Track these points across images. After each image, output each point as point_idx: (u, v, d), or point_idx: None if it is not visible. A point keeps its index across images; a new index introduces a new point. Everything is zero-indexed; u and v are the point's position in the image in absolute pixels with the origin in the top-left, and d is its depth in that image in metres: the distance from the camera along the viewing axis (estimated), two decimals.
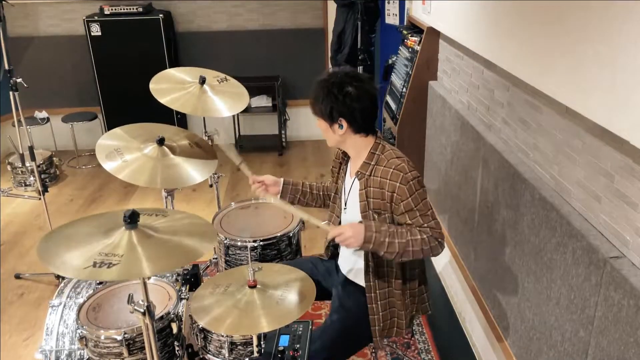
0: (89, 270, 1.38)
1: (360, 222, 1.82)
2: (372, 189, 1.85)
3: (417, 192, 1.79)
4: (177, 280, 2.39)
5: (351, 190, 1.95)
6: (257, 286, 1.73)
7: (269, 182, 2.10)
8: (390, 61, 4.00)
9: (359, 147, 1.89)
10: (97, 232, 1.53)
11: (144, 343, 1.74)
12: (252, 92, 4.79)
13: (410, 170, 1.80)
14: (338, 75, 1.82)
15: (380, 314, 1.95)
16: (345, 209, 2.00)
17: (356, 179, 1.91)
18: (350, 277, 2.04)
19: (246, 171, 2.12)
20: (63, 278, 2.50)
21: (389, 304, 1.96)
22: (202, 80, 2.52)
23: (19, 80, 3.05)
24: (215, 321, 1.62)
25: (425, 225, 1.80)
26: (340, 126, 1.84)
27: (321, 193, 2.18)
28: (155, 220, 1.62)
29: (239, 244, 2.43)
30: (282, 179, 2.13)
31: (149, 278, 2.28)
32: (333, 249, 2.19)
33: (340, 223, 2.05)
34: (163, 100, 2.40)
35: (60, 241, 1.51)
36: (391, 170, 1.80)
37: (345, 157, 2.03)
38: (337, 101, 1.79)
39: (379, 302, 1.95)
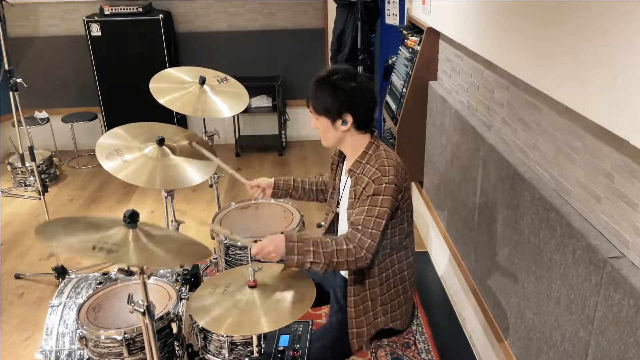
0: (88, 251, 1.40)
1: (282, 232, 1.78)
2: (359, 187, 1.86)
3: (382, 196, 1.75)
4: (177, 280, 2.39)
5: (344, 188, 1.96)
6: (257, 286, 1.73)
7: (265, 185, 2.13)
8: (390, 61, 4.00)
9: (356, 145, 1.90)
10: (96, 225, 1.54)
11: (144, 343, 1.74)
12: (252, 92, 4.79)
13: (390, 174, 1.76)
14: (341, 71, 1.84)
15: (355, 320, 1.94)
16: (339, 207, 2.01)
17: (349, 177, 1.92)
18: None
19: (241, 178, 2.15)
20: (63, 278, 2.50)
21: (363, 310, 1.93)
22: (202, 80, 2.52)
23: (19, 80, 3.05)
24: (215, 321, 1.62)
25: (360, 227, 1.74)
26: (344, 122, 1.84)
27: (314, 188, 2.19)
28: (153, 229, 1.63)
29: (239, 244, 2.43)
30: (273, 180, 2.15)
31: (148, 277, 2.28)
32: None
33: (337, 220, 2.06)
34: (163, 100, 2.40)
35: (60, 228, 1.52)
36: (374, 169, 1.80)
37: (342, 155, 2.03)
38: (345, 95, 1.80)
39: (360, 307, 1.93)
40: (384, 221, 1.75)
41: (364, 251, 1.74)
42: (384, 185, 1.76)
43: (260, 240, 1.79)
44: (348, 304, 1.93)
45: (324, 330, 1.98)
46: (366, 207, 1.76)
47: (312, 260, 1.72)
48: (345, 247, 1.74)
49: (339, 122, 1.84)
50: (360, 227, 1.75)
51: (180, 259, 1.55)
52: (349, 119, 1.83)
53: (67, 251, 1.48)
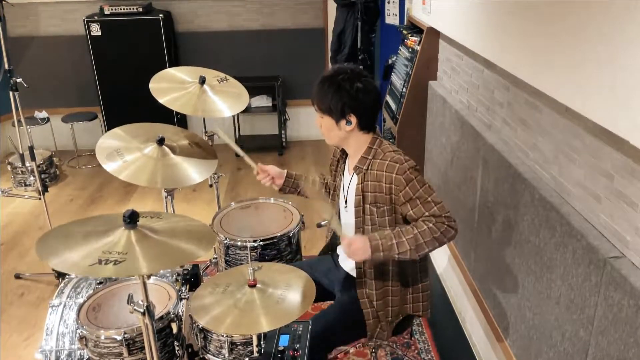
0: (95, 267, 1.39)
1: (366, 235, 1.83)
2: (369, 182, 1.86)
3: (415, 179, 1.79)
4: (177, 280, 2.39)
5: (350, 186, 1.96)
6: (257, 285, 1.73)
7: (274, 174, 2.14)
8: (390, 61, 4.00)
9: (359, 144, 1.90)
10: (96, 231, 1.53)
11: (144, 343, 1.74)
12: (252, 92, 4.79)
13: (405, 160, 1.81)
14: (347, 71, 1.83)
15: (368, 310, 1.97)
16: (346, 207, 2.00)
17: (355, 175, 1.91)
18: (353, 273, 2.04)
19: (251, 162, 2.16)
20: (63, 278, 2.50)
21: (383, 302, 1.97)
22: (202, 80, 2.52)
23: (19, 80, 3.05)
24: (215, 321, 1.62)
25: (427, 213, 1.78)
26: (349, 122, 1.84)
27: (324, 187, 2.20)
28: (153, 222, 1.63)
29: (239, 243, 2.43)
30: (285, 172, 2.16)
31: (148, 277, 2.28)
32: (331, 245, 2.20)
33: (340, 219, 2.05)
34: (163, 100, 2.40)
35: (59, 240, 1.51)
36: (387, 162, 1.82)
37: (343, 155, 2.03)
38: (349, 96, 1.80)
39: (374, 301, 1.96)
40: (435, 192, 1.81)
41: (446, 224, 1.77)
42: (407, 171, 1.79)
43: None
44: (363, 306, 1.96)
45: (326, 312, 1.99)
46: (415, 197, 1.79)
47: (398, 252, 1.77)
48: (426, 227, 1.77)
49: (343, 122, 1.84)
50: (427, 214, 1.78)
51: (189, 250, 1.53)
52: (353, 119, 1.83)
53: (71, 270, 1.46)
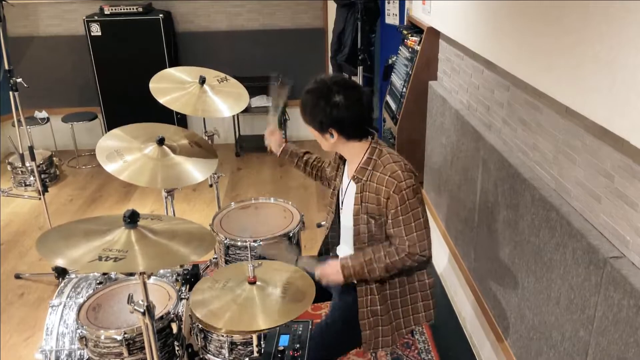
0: (95, 263, 1.40)
1: (339, 260, 1.88)
2: (367, 193, 1.85)
3: (408, 201, 1.78)
4: (177, 280, 2.40)
5: (347, 192, 1.95)
6: (257, 283, 1.73)
7: (275, 142, 2.34)
8: (390, 61, 4.00)
9: (353, 152, 1.89)
10: (97, 230, 1.54)
11: (144, 343, 1.74)
12: (252, 92, 4.78)
13: (405, 178, 1.78)
14: (326, 84, 1.80)
15: (371, 319, 1.95)
16: (342, 209, 2.00)
17: (352, 182, 1.91)
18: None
19: (273, 121, 2.35)
20: (63, 278, 2.50)
21: (379, 311, 1.95)
22: (202, 80, 2.52)
23: (19, 80, 3.05)
24: (214, 315, 1.62)
25: (405, 238, 1.80)
26: (331, 135, 1.83)
27: (314, 171, 2.27)
28: (153, 223, 1.63)
29: (239, 243, 2.43)
30: (284, 145, 2.34)
31: (149, 277, 2.28)
32: (326, 247, 2.20)
33: (340, 221, 2.05)
34: (163, 100, 2.40)
35: (60, 237, 1.52)
36: (387, 177, 1.79)
37: (342, 158, 2.03)
38: (324, 112, 1.78)
39: (369, 308, 1.95)
40: (422, 218, 1.83)
41: (418, 255, 1.83)
42: (404, 191, 1.77)
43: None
44: (361, 316, 1.94)
45: (324, 326, 1.98)
46: (401, 218, 1.80)
47: (369, 277, 1.86)
48: (398, 257, 1.82)
49: (327, 135, 1.84)
50: (405, 238, 1.81)
51: (189, 252, 1.54)
52: (334, 132, 1.82)
53: (72, 266, 1.48)
